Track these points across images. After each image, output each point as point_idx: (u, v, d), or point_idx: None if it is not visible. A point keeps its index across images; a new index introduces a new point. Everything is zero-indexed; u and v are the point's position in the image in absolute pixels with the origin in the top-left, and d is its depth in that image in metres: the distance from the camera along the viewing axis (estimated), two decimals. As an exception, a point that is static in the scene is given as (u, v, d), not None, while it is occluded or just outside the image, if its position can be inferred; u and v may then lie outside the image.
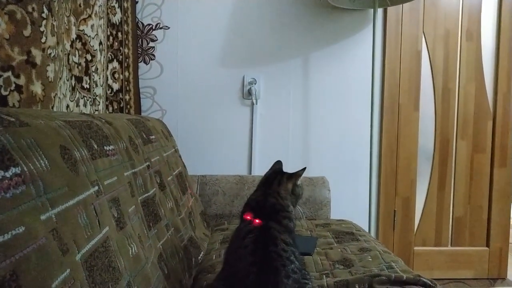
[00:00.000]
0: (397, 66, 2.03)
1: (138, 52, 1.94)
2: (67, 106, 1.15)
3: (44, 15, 0.92)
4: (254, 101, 1.98)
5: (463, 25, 2.04)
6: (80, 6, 1.24)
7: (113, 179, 0.75)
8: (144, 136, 1.13)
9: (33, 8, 0.87)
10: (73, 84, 1.19)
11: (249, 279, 0.71)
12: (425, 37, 2.04)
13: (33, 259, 0.44)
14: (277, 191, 0.92)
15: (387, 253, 1.16)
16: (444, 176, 2.10)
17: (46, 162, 0.53)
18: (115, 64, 1.61)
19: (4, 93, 0.79)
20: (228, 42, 1.99)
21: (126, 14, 1.75)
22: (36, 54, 0.89)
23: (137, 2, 1.91)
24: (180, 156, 1.60)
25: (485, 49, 2.06)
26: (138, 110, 1.90)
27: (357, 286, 0.93)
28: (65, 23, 1.11)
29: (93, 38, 1.35)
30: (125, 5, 1.73)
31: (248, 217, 0.83)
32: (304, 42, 2.00)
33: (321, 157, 2.04)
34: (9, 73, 0.81)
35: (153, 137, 1.23)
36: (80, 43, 1.25)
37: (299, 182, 0.97)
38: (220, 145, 2.01)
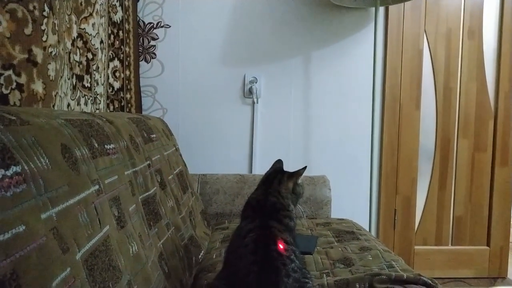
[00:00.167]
0: (399, 65, 2.03)
1: (139, 50, 1.94)
2: (68, 105, 1.15)
3: (45, 14, 0.92)
4: (255, 100, 1.98)
5: (465, 24, 2.03)
6: (81, 4, 1.24)
7: (114, 178, 0.75)
8: (145, 135, 1.13)
9: (34, 7, 0.87)
10: (74, 83, 1.19)
11: (249, 278, 0.71)
12: (426, 35, 2.04)
13: (33, 258, 0.44)
14: (277, 190, 0.92)
15: (388, 252, 1.16)
16: (445, 175, 2.09)
17: (47, 161, 0.53)
18: (116, 62, 1.61)
19: (5, 91, 0.79)
20: (229, 40, 1.98)
21: (127, 12, 1.74)
22: (37, 52, 0.89)
23: (138, 1, 1.91)
24: (180, 155, 1.60)
25: (487, 48, 2.05)
26: (139, 109, 1.90)
27: (357, 285, 0.93)
28: (66, 21, 1.11)
29: (94, 37, 1.35)
30: (126, 3, 1.73)
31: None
32: (305, 40, 2.00)
33: (322, 156, 2.04)
34: (10, 72, 0.81)
35: (154, 136, 1.23)
36: (81, 41, 1.25)
37: (299, 181, 0.97)
38: (221, 144, 2.01)
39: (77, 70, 1.22)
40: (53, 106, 0.98)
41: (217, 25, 1.97)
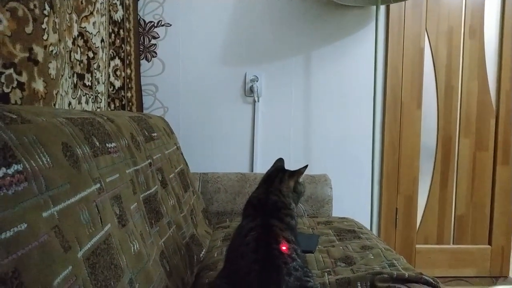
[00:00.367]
0: (400, 64, 2.02)
1: (140, 49, 1.94)
2: (69, 104, 1.15)
3: (45, 12, 0.92)
4: (256, 98, 1.98)
5: (466, 22, 2.03)
6: (81, 3, 1.24)
7: (115, 177, 0.75)
8: (146, 133, 1.13)
9: (34, 5, 0.87)
10: (75, 82, 1.19)
11: (251, 277, 0.71)
12: (427, 34, 2.03)
13: (35, 256, 0.43)
14: (279, 188, 0.92)
15: (389, 251, 1.16)
16: (446, 174, 2.09)
17: (48, 159, 0.53)
18: (117, 61, 1.61)
19: (6, 90, 0.79)
20: (230, 39, 1.98)
21: (128, 11, 1.74)
22: (38, 51, 0.89)
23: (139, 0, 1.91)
24: (182, 154, 1.60)
25: (488, 47, 2.05)
26: (140, 107, 1.90)
27: (359, 284, 0.93)
28: (66, 20, 1.11)
29: (94, 36, 1.35)
30: (127, 2, 1.73)
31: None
32: (306, 39, 1.99)
33: (323, 155, 2.03)
34: (11, 70, 0.81)
35: (155, 134, 1.23)
36: (82, 40, 1.25)
37: (301, 180, 0.97)
38: (222, 143, 2.01)
39: (78, 69, 1.22)
40: (54, 104, 0.98)
41: (218, 24, 1.97)
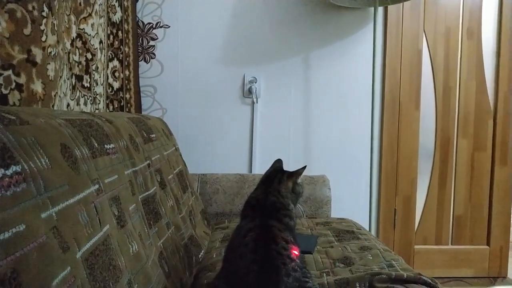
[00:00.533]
0: (398, 65, 2.03)
1: (139, 50, 1.94)
2: (68, 105, 1.15)
3: (44, 14, 0.92)
4: (255, 99, 1.98)
5: (463, 23, 2.04)
6: (80, 4, 1.24)
7: (114, 178, 0.75)
8: (145, 134, 1.13)
9: (33, 7, 0.87)
10: (73, 83, 1.19)
11: (249, 277, 0.71)
12: (425, 35, 2.04)
13: (33, 257, 0.44)
14: (277, 189, 0.92)
15: (388, 252, 1.16)
16: (444, 175, 2.10)
17: (47, 160, 0.53)
18: (116, 62, 1.61)
19: (4, 91, 0.79)
20: (228, 40, 1.98)
21: (127, 12, 1.74)
22: (37, 52, 0.89)
23: (137, 1, 1.91)
24: (180, 155, 1.60)
25: (486, 47, 2.05)
26: (139, 109, 1.90)
27: (357, 285, 0.93)
28: (65, 21, 1.11)
29: (93, 37, 1.35)
30: (125, 3, 1.73)
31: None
32: (305, 40, 2.00)
33: (322, 155, 2.04)
34: (10, 72, 0.81)
35: (154, 135, 1.23)
36: (81, 41, 1.25)
37: (299, 181, 0.97)
38: (221, 144, 2.01)
39: (76, 70, 1.22)
40: (53, 106, 0.98)
41: (216, 25, 1.97)
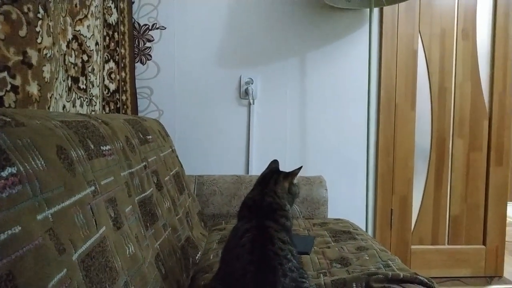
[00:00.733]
0: (394, 66, 2.04)
1: (135, 52, 1.94)
2: (64, 107, 1.14)
3: (39, 16, 0.92)
4: (251, 101, 1.99)
5: (458, 25, 2.05)
6: (76, 6, 1.24)
7: (110, 179, 0.75)
8: (141, 136, 1.13)
9: (28, 9, 0.87)
10: (69, 85, 1.19)
11: (246, 278, 0.71)
12: (421, 36, 2.05)
13: (29, 259, 0.43)
14: (273, 190, 0.93)
15: (384, 252, 1.17)
16: (440, 175, 2.11)
17: (43, 162, 0.53)
18: (112, 64, 1.61)
19: (0, 93, 0.79)
20: (224, 42, 1.99)
21: (123, 14, 1.74)
22: (32, 54, 0.89)
23: (133, 3, 1.91)
24: (177, 156, 1.60)
25: (481, 48, 2.07)
26: (135, 110, 1.90)
27: (354, 285, 0.93)
28: (61, 23, 1.10)
29: (89, 39, 1.35)
30: (121, 5, 1.73)
31: None
32: (301, 42, 2.01)
33: (318, 156, 2.04)
34: (5, 74, 0.81)
35: (150, 137, 1.23)
36: (76, 43, 1.25)
37: (295, 181, 0.97)
38: (217, 145, 2.01)
39: (72, 72, 1.22)
40: (48, 108, 0.98)
41: (213, 27, 1.98)
